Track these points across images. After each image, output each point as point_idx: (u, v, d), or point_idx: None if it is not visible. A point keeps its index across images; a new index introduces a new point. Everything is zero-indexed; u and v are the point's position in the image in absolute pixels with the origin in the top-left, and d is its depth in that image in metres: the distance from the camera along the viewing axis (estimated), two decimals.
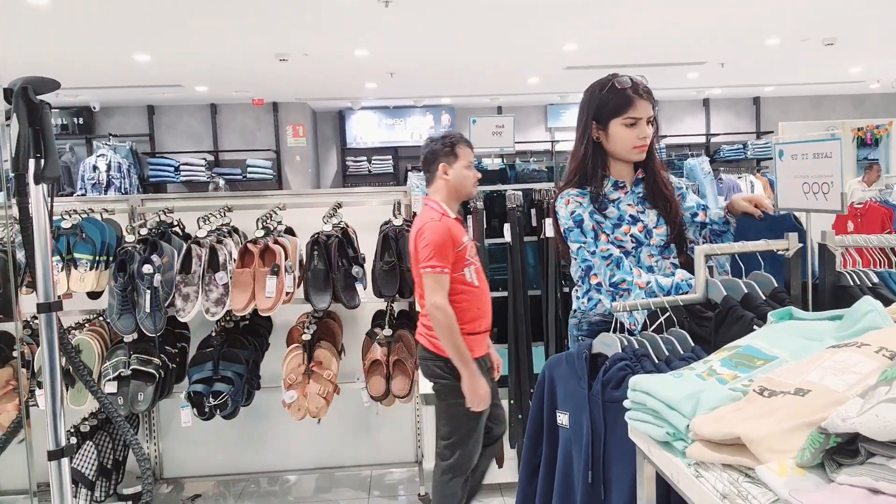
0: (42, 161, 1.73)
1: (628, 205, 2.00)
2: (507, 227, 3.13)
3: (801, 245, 1.63)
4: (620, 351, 1.47)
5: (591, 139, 1.99)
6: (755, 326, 1.44)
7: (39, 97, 1.75)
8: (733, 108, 10.25)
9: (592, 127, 1.99)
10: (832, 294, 1.61)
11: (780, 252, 1.63)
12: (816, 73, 8.47)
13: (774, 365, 1.10)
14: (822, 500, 0.75)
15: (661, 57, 7.08)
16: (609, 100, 1.96)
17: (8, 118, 1.74)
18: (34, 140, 1.73)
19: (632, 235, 1.98)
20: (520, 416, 3.07)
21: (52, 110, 1.76)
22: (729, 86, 9.20)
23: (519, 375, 3.08)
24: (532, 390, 3.18)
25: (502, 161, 6.98)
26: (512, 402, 3.10)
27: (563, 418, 1.66)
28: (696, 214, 2.09)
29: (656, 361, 1.40)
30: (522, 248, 3.13)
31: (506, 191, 3.21)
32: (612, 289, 1.95)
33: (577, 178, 2.02)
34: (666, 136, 9.81)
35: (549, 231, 3.07)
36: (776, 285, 1.61)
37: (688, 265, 1.99)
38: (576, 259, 2.02)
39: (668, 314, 1.55)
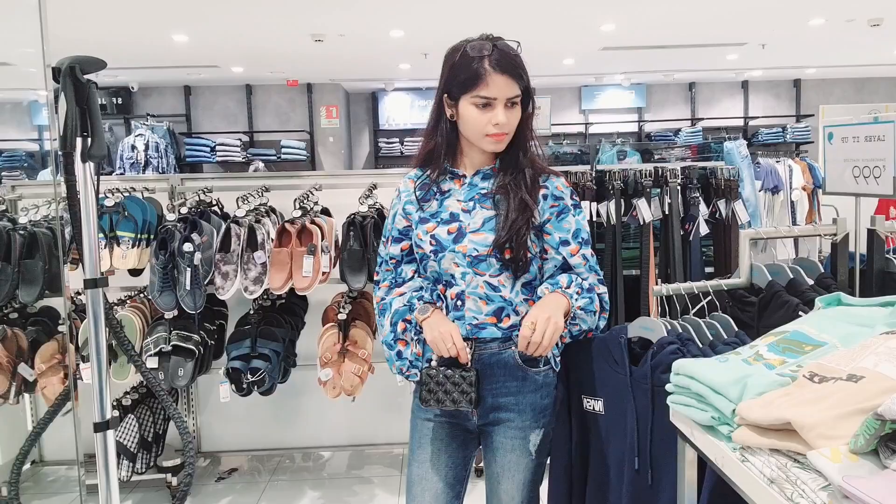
0: (89, 140, 1.75)
1: (457, 200, 1.60)
2: None
3: (847, 231, 1.60)
4: (665, 335, 1.46)
5: (442, 114, 1.60)
6: (801, 312, 1.42)
7: (86, 76, 1.77)
8: (773, 91, 10.02)
9: (445, 100, 1.59)
10: (880, 280, 1.58)
11: (826, 237, 1.60)
12: (860, 55, 8.22)
13: (824, 351, 1.09)
14: (877, 487, 0.74)
15: (700, 38, 6.93)
16: (459, 71, 1.53)
17: (57, 97, 1.76)
18: (81, 119, 1.75)
19: (433, 236, 1.58)
20: None
21: None
22: (769, 67, 8.98)
23: None
24: None
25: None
26: None
27: (594, 404, 1.66)
28: (566, 243, 1.58)
29: (700, 346, 1.39)
30: None
31: None
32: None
33: (422, 159, 1.67)
34: (703, 119, 9.67)
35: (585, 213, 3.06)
36: (822, 270, 1.58)
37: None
38: None
39: (709, 297, 1.54)
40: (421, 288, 1.61)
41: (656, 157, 8.73)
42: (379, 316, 1.65)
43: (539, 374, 1.57)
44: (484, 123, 1.52)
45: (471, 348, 1.51)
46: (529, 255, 1.54)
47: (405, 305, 1.58)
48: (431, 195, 1.61)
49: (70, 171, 1.75)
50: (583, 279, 1.57)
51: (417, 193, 1.63)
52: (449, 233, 1.57)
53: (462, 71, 1.52)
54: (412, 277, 1.66)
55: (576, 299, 1.53)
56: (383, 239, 1.71)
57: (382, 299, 1.66)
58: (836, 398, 0.87)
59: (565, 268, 1.58)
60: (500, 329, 1.55)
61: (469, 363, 1.49)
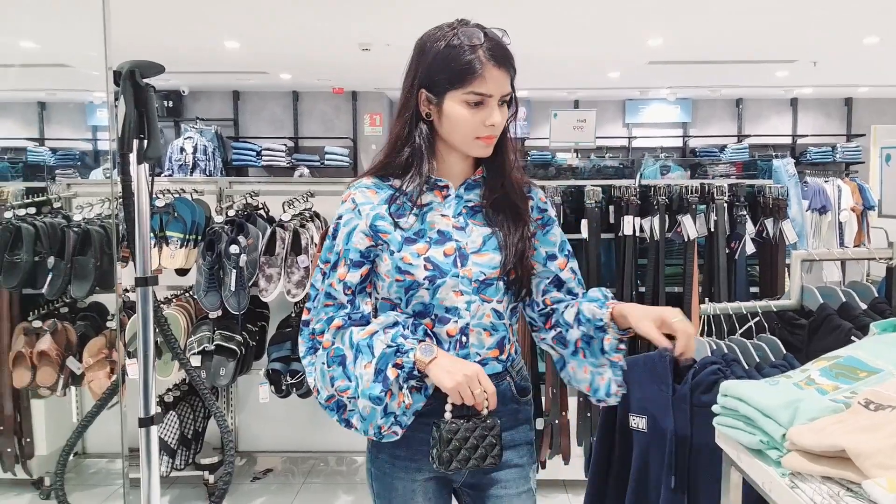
0: (146, 142, 1.80)
1: (442, 215, 1.35)
2: (584, 222, 3.10)
3: None
4: (710, 354, 1.44)
5: (416, 113, 1.34)
6: (853, 338, 1.39)
7: (145, 80, 1.82)
8: (823, 109, 9.80)
9: (421, 97, 1.33)
10: None
11: (881, 260, 1.56)
12: None
13: (879, 378, 1.06)
14: None
15: (749, 54, 6.83)
16: (448, 61, 1.28)
17: (116, 99, 1.82)
18: (139, 121, 1.79)
19: (428, 259, 1.31)
20: (588, 415, 3.05)
21: None
22: (820, 85, 8.80)
23: None
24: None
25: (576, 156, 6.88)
26: (581, 399, 3.07)
27: (638, 422, 1.63)
28: (553, 257, 1.43)
29: (746, 367, 1.37)
30: (598, 244, 3.09)
31: (584, 186, 3.18)
32: (311, 344, 1.37)
33: (383, 166, 1.39)
34: (749, 136, 9.50)
35: (628, 229, 3.03)
36: (876, 295, 1.55)
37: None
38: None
39: (757, 318, 1.51)
40: (396, 324, 1.29)
41: (698, 173, 8.61)
42: (335, 365, 1.29)
43: (528, 404, 1.44)
44: (476, 124, 1.29)
45: None
46: (532, 273, 1.38)
47: (391, 346, 1.24)
48: (406, 210, 1.33)
49: (126, 171, 1.80)
50: (579, 296, 1.43)
51: (390, 208, 1.33)
52: (446, 255, 1.32)
53: (450, 61, 1.28)
54: (370, 314, 1.35)
55: None
56: (322, 264, 1.36)
57: (334, 343, 1.31)
58: (893, 427, 0.85)
59: (556, 284, 1.43)
60: (500, 362, 1.37)
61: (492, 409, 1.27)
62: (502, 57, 1.29)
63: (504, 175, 1.38)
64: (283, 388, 2.95)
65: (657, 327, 1.26)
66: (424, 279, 1.30)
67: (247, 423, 3.62)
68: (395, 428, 1.26)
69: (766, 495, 1.05)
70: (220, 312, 2.96)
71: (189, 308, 3.12)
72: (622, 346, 1.34)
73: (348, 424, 1.31)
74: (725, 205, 3.02)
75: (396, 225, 1.32)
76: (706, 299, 2.50)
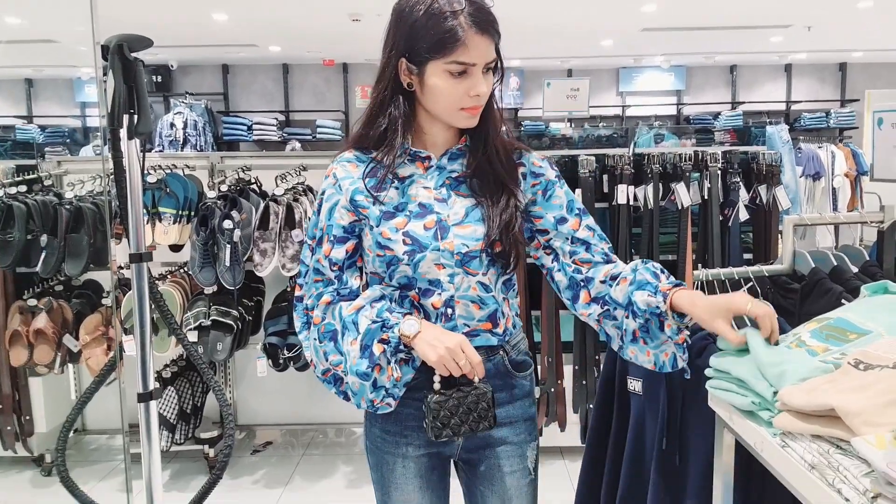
0: (136, 117, 1.79)
1: (424, 188, 1.32)
2: (578, 192, 3.10)
3: (895, 218, 1.57)
4: None
5: (395, 82, 1.29)
6: (844, 300, 1.40)
7: (133, 54, 1.80)
8: (817, 75, 9.77)
9: (401, 66, 1.27)
10: None
11: (872, 224, 1.57)
12: None
13: (868, 339, 1.07)
14: None
15: (744, 19, 6.78)
16: (428, 28, 1.22)
17: (105, 74, 1.80)
18: (128, 96, 1.78)
19: (406, 234, 1.28)
20: (584, 383, 3.08)
21: None
22: (814, 50, 8.76)
23: (584, 341, 3.08)
24: (597, 356, 3.18)
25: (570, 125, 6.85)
26: (576, 367, 3.10)
27: (635, 384, 1.66)
28: (563, 220, 1.36)
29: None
30: (593, 214, 3.09)
31: (578, 156, 3.17)
32: (305, 319, 1.36)
33: (360, 137, 1.35)
34: (744, 103, 9.47)
35: (622, 198, 3.03)
36: (867, 258, 1.56)
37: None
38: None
39: (751, 283, 1.53)
40: (382, 297, 1.28)
41: (698, 138, 8.59)
42: (326, 341, 1.29)
43: (526, 378, 1.40)
44: (460, 94, 1.24)
45: None
46: (521, 245, 1.33)
47: (376, 322, 1.23)
48: (388, 183, 1.30)
49: (117, 147, 1.78)
50: (606, 252, 1.36)
51: (367, 181, 1.30)
52: (426, 228, 1.28)
53: (430, 29, 1.21)
54: (359, 288, 1.34)
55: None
56: (310, 240, 1.35)
57: (325, 319, 1.30)
58: (881, 386, 0.87)
59: (577, 244, 1.36)
60: (495, 335, 1.33)
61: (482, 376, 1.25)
62: (485, 22, 1.22)
63: (488, 143, 1.32)
64: (281, 361, 2.97)
65: (728, 321, 1.19)
66: (404, 254, 1.27)
67: (245, 397, 3.64)
68: (387, 400, 1.26)
69: (758, 455, 1.07)
70: (215, 288, 2.97)
71: (184, 284, 3.13)
72: (684, 329, 1.27)
73: (346, 397, 1.31)
74: (719, 172, 3.02)
75: (375, 200, 1.29)
76: (699, 266, 2.51)
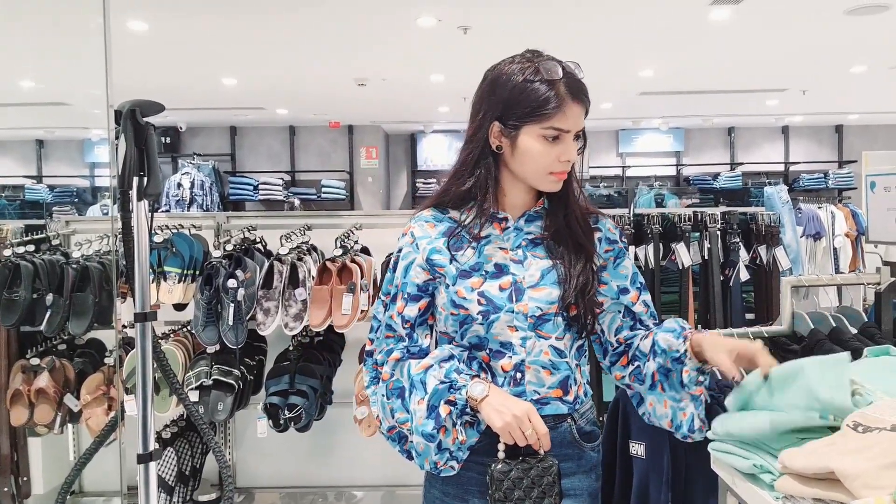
0: (146, 179, 1.83)
1: (501, 248, 1.33)
2: None
3: (893, 279, 1.59)
4: None
5: (486, 145, 1.32)
6: None
7: (145, 119, 1.86)
8: (814, 136, 9.93)
9: (492, 129, 1.31)
10: None
11: (870, 285, 1.59)
12: None
13: (866, 400, 1.08)
14: None
15: (740, 84, 6.94)
16: (527, 94, 1.26)
17: (117, 137, 1.85)
18: (139, 159, 1.83)
19: (482, 294, 1.29)
20: None
21: None
22: (810, 113, 8.93)
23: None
24: (601, 418, 3.15)
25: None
26: None
27: (637, 448, 1.65)
28: (625, 291, 1.37)
29: None
30: None
31: None
32: (374, 374, 1.37)
33: (443, 193, 1.38)
34: (742, 164, 9.60)
35: None
36: (866, 320, 1.57)
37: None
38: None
39: None
40: (452, 357, 1.27)
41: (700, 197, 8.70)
42: (394, 398, 1.30)
43: (594, 450, 1.36)
44: (551, 159, 1.27)
45: None
46: (598, 309, 1.32)
47: (444, 383, 1.22)
48: (464, 242, 1.32)
49: (126, 207, 1.82)
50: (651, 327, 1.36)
51: (450, 241, 1.32)
52: (501, 289, 1.28)
53: (530, 94, 1.26)
54: (428, 346, 1.35)
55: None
56: (383, 296, 1.38)
57: (393, 376, 1.31)
58: (880, 448, 0.87)
59: (630, 318, 1.37)
60: (565, 403, 1.30)
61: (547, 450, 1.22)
62: (579, 91, 1.27)
63: (567, 206, 1.34)
64: (281, 422, 2.94)
65: (733, 359, 1.19)
66: (478, 314, 1.27)
67: (244, 459, 3.59)
68: (451, 463, 1.25)
69: None
70: (217, 347, 2.97)
71: (187, 343, 3.13)
72: (702, 379, 1.27)
73: (409, 456, 1.32)
74: (719, 232, 3.06)
75: (453, 258, 1.31)
76: (699, 326, 2.52)
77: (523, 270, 1.30)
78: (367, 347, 1.38)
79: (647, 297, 1.38)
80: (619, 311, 1.36)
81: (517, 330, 1.28)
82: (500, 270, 1.30)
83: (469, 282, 1.29)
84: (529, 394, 1.28)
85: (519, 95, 1.27)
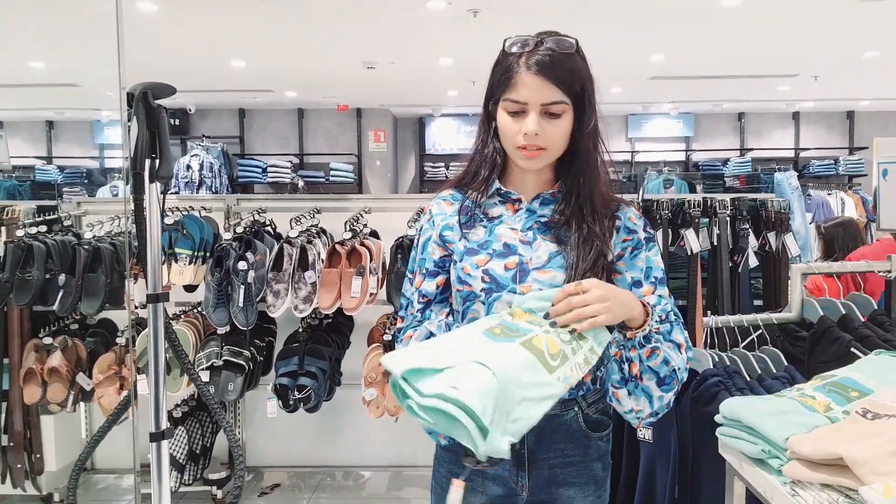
0: (157, 161, 1.84)
1: (511, 228, 1.32)
2: None
3: None
4: (711, 367, 1.46)
5: (487, 123, 1.35)
6: (853, 349, 1.41)
7: (157, 101, 1.87)
8: (825, 122, 9.85)
9: (494, 109, 1.32)
10: None
11: (880, 273, 1.59)
12: None
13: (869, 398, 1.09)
14: None
15: (751, 69, 6.88)
16: (498, 69, 1.29)
17: (129, 120, 1.86)
18: (151, 142, 1.84)
19: (486, 271, 1.28)
20: None
21: None
22: (821, 99, 8.86)
23: None
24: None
25: None
26: None
27: (644, 432, 1.66)
28: (638, 284, 1.30)
29: (748, 379, 1.40)
30: None
31: None
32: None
33: (462, 176, 1.40)
34: (752, 150, 9.54)
35: None
36: (875, 307, 1.57)
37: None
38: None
39: (759, 331, 1.54)
40: (430, 335, 1.30)
41: (706, 184, 8.67)
42: None
43: (602, 439, 1.33)
44: (514, 133, 1.25)
45: None
46: None
47: None
48: (476, 221, 1.32)
49: (138, 189, 1.83)
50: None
51: (460, 218, 1.34)
52: (506, 268, 1.27)
53: (498, 68, 1.28)
54: (438, 328, 1.34)
55: (657, 320, 1.20)
56: (409, 274, 1.39)
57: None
58: (888, 435, 0.88)
59: None
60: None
61: None
62: (541, 63, 1.22)
63: (578, 192, 1.29)
64: (291, 402, 2.97)
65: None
66: (481, 291, 1.27)
67: (254, 438, 3.64)
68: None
69: (768, 503, 1.07)
70: (228, 328, 2.99)
71: (197, 324, 3.16)
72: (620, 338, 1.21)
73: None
74: (728, 218, 3.06)
75: (464, 236, 1.32)
76: (708, 312, 2.52)
77: (531, 252, 1.28)
78: (398, 325, 1.40)
79: (663, 291, 1.30)
80: None
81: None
82: (508, 250, 1.29)
83: (475, 259, 1.29)
84: None
85: (495, 69, 1.29)
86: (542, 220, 1.31)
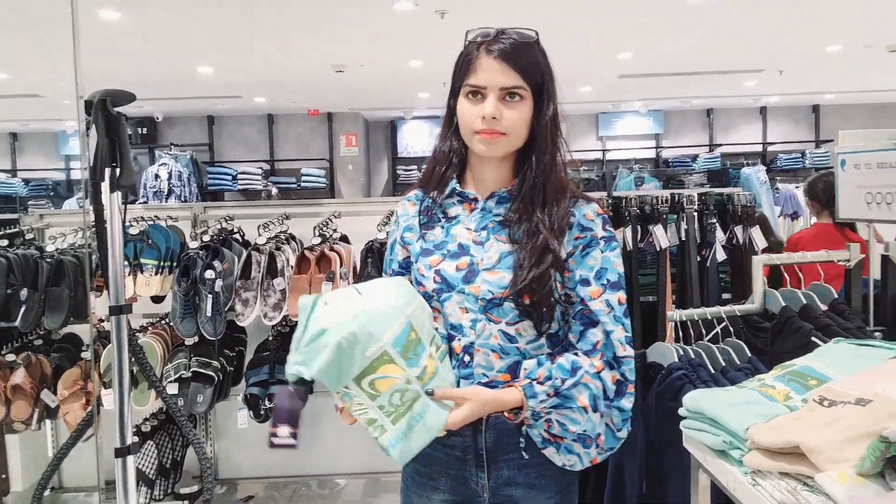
0: (118, 170, 1.81)
1: (466, 228, 1.31)
2: None
3: (862, 256, 1.61)
4: (676, 360, 1.47)
5: (447, 122, 1.34)
6: (814, 338, 1.42)
7: (117, 109, 1.83)
8: (791, 116, 10.01)
9: (451, 103, 1.32)
10: (894, 306, 1.58)
11: (839, 262, 1.61)
12: (879, 80, 8.22)
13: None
14: None
15: (718, 65, 6.97)
16: (458, 60, 1.30)
17: (88, 129, 1.82)
18: (111, 150, 1.79)
19: (438, 272, 1.28)
20: None
21: None
22: (787, 94, 9.00)
23: None
24: None
25: None
26: None
27: None
28: (585, 282, 1.25)
29: (712, 371, 1.40)
30: None
31: None
32: None
33: (423, 176, 1.39)
34: (721, 145, 9.66)
35: None
36: (836, 297, 1.59)
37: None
38: None
39: (724, 323, 1.55)
40: None
41: (672, 184, 8.76)
42: None
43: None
44: (473, 117, 1.24)
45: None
46: (553, 301, 1.22)
47: None
48: (436, 221, 1.33)
49: (98, 199, 1.79)
50: (577, 364, 1.22)
51: (420, 218, 1.35)
52: (458, 269, 1.26)
53: (460, 59, 1.28)
54: None
55: (544, 398, 1.19)
56: (383, 275, 1.41)
57: None
58: (844, 422, 0.88)
59: (586, 315, 1.24)
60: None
61: None
62: (501, 49, 1.23)
63: (534, 187, 1.26)
64: (262, 412, 2.94)
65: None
66: (433, 291, 1.27)
67: (226, 450, 3.59)
68: None
69: (732, 495, 1.07)
70: (196, 339, 2.95)
71: (165, 335, 3.10)
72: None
73: None
74: (695, 214, 3.08)
75: (422, 236, 1.33)
76: (673, 306, 2.53)
77: (482, 252, 1.27)
78: None
79: (612, 297, 1.24)
80: (577, 303, 1.25)
81: (468, 311, 1.25)
82: (461, 250, 1.29)
83: (429, 259, 1.30)
84: (478, 376, 1.26)
85: (457, 63, 1.29)
86: (498, 219, 1.30)
